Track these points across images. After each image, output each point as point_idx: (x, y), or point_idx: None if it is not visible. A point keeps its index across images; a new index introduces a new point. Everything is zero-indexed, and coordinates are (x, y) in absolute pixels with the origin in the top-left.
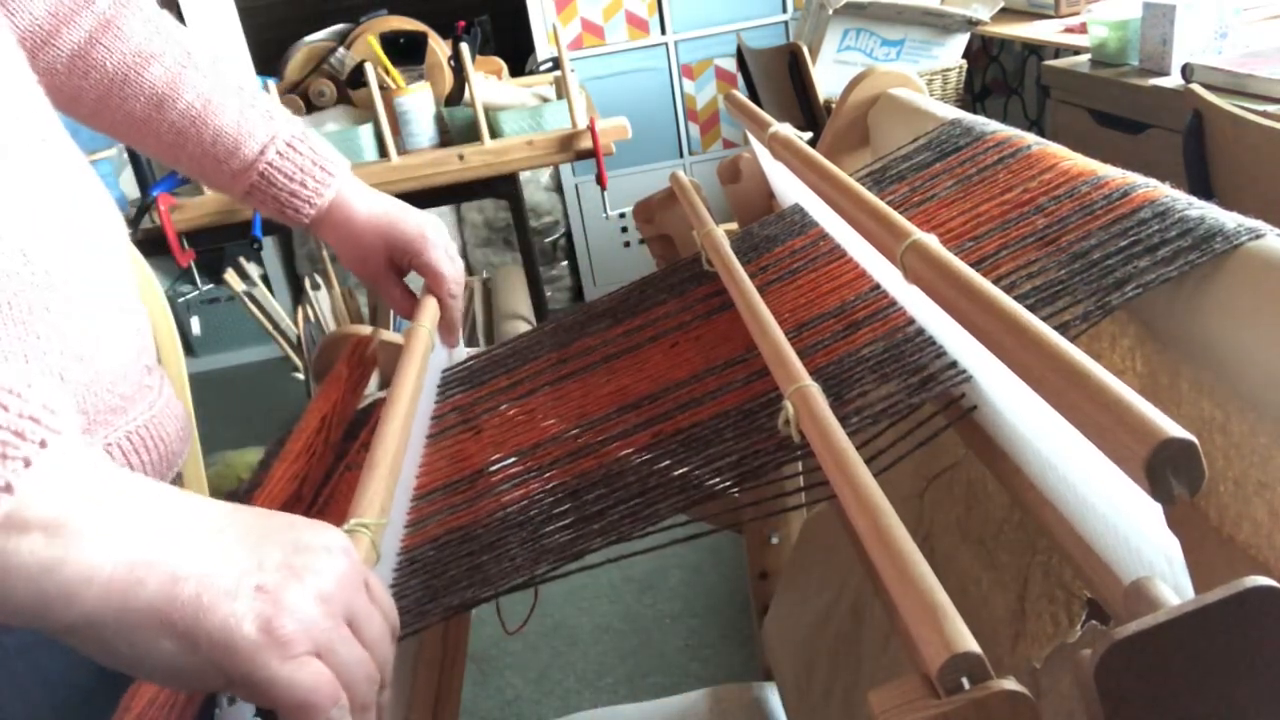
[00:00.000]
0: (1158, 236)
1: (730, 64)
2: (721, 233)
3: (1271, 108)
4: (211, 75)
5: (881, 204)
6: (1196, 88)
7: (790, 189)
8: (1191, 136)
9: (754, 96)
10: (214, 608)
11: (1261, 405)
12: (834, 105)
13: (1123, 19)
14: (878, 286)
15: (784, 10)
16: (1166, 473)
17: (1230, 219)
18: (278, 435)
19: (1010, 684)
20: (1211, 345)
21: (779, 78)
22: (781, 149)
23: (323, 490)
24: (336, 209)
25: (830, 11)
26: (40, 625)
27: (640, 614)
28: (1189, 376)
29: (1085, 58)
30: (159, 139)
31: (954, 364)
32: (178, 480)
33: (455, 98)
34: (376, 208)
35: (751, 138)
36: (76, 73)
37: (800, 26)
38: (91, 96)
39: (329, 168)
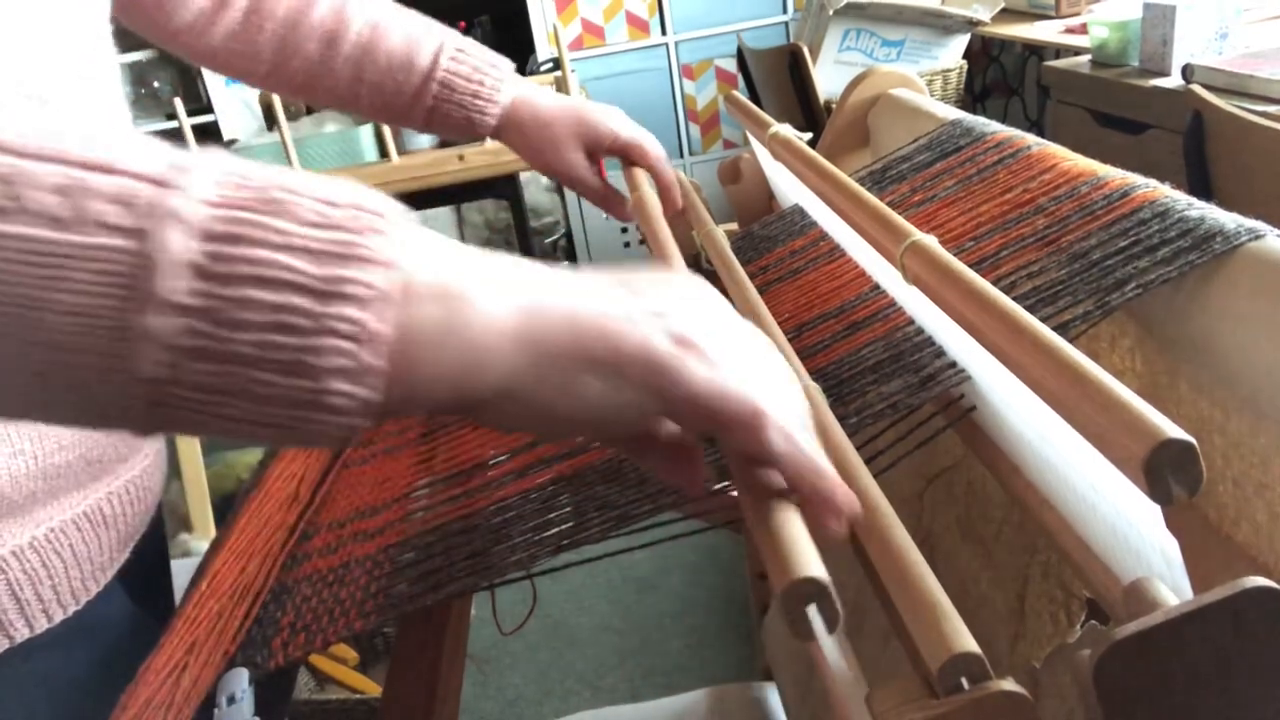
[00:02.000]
0: (1157, 237)
1: (730, 64)
2: (721, 233)
3: (1271, 108)
4: (369, 1)
5: (881, 205)
6: (1197, 88)
7: (790, 190)
8: (1191, 137)
9: (754, 97)
10: (624, 334)
11: (1261, 406)
12: (834, 106)
13: (1123, 19)
14: (877, 287)
15: (784, 10)
16: (1165, 474)
17: (1230, 219)
18: None
19: (1008, 684)
20: (1211, 345)
21: (779, 78)
22: (781, 149)
23: (319, 489)
24: (522, 107)
25: (830, 12)
26: (462, 400)
27: (640, 614)
28: (1188, 377)
29: (1085, 58)
30: (337, 77)
31: (953, 364)
32: (147, 540)
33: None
34: (558, 100)
35: (752, 138)
36: (252, 28)
37: (800, 27)
38: (269, 51)
39: (498, 63)
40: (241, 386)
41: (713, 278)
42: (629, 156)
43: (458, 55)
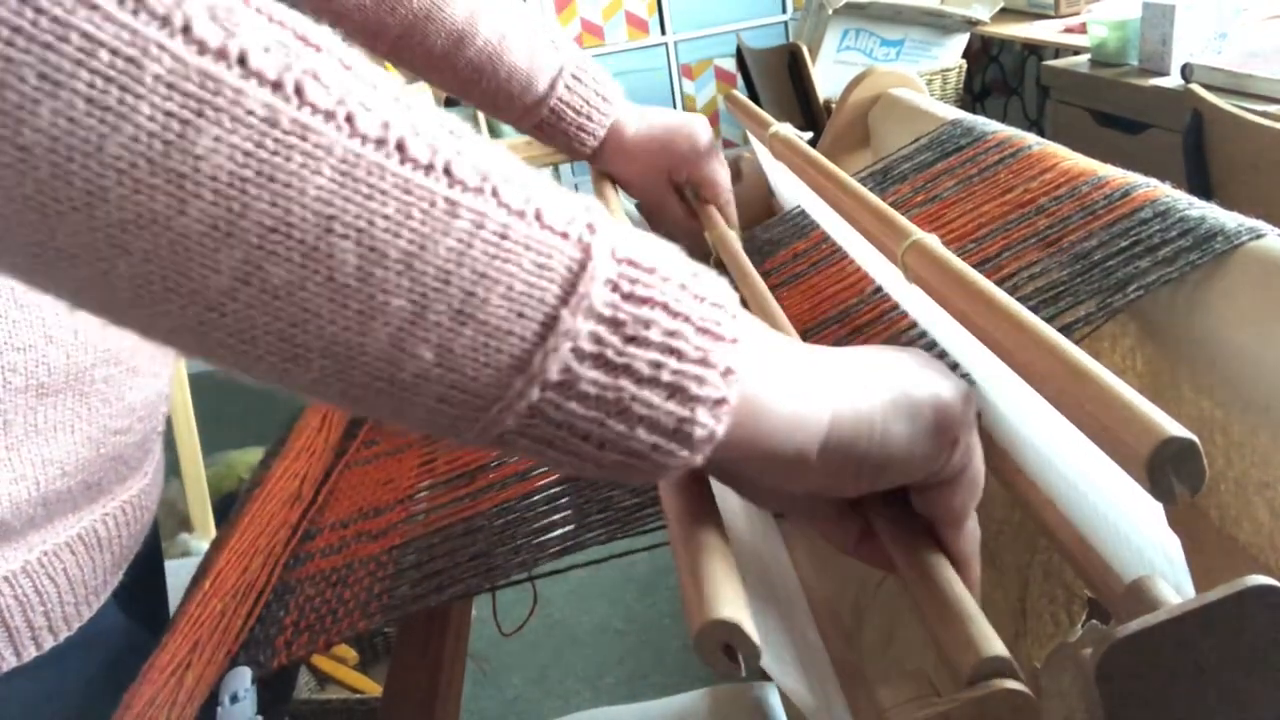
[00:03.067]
0: (1158, 236)
1: (730, 64)
2: (733, 234)
3: (1271, 108)
4: (503, 8)
5: (882, 204)
6: (1196, 88)
7: (791, 189)
8: (1191, 136)
9: (754, 96)
10: (917, 384)
11: (1262, 405)
12: (834, 105)
13: (1122, 19)
14: (879, 289)
15: (784, 10)
16: (1168, 472)
17: (1230, 219)
18: (278, 435)
19: (1011, 683)
20: (1212, 345)
21: (779, 78)
22: (782, 148)
23: (322, 488)
24: (611, 139)
25: (830, 11)
26: (790, 449)
27: (640, 614)
28: (1189, 376)
29: (1085, 58)
30: (455, 75)
31: (955, 365)
32: (140, 552)
33: (455, 98)
34: (643, 128)
35: (752, 137)
36: (384, 8)
37: (800, 26)
38: (394, 33)
39: (608, 95)
40: (624, 403)
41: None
42: (700, 192)
43: (573, 84)
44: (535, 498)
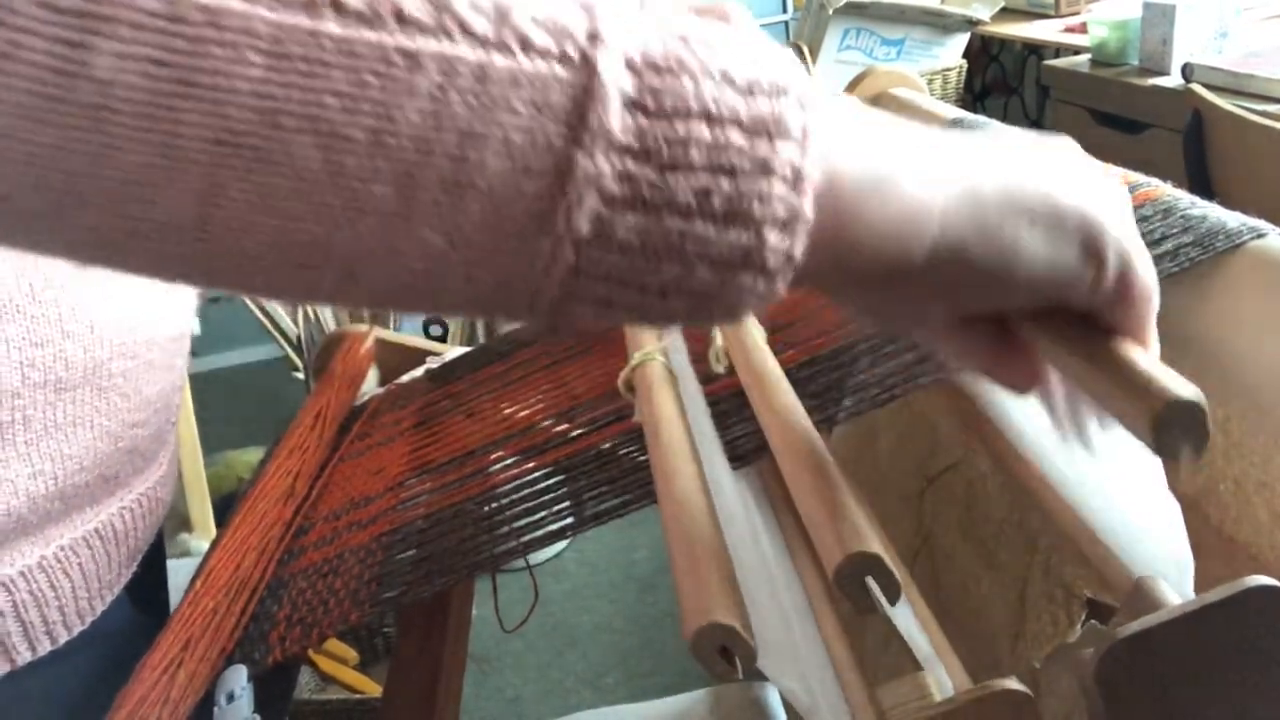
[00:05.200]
0: (1160, 231)
1: None
2: None
3: (1271, 108)
4: None
5: None
6: (1196, 88)
7: None
8: (1191, 136)
9: None
10: (1062, 187)
11: (1262, 405)
12: None
13: (1123, 19)
14: None
15: (784, 10)
16: (1173, 428)
17: (1232, 218)
18: (278, 435)
19: (1011, 683)
20: (1212, 344)
21: None
22: None
23: (315, 485)
24: None
25: (830, 11)
26: (893, 262)
27: (640, 614)
28: (1189, 375)
29: (1085, 58)
30: None
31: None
32: (152, 555)
33: None
34: None
35: None
36: None
37: (800, 26)
38: None
39: None
40: (673, 243)
41: None
42: None
43: None
44: (527, 482)
